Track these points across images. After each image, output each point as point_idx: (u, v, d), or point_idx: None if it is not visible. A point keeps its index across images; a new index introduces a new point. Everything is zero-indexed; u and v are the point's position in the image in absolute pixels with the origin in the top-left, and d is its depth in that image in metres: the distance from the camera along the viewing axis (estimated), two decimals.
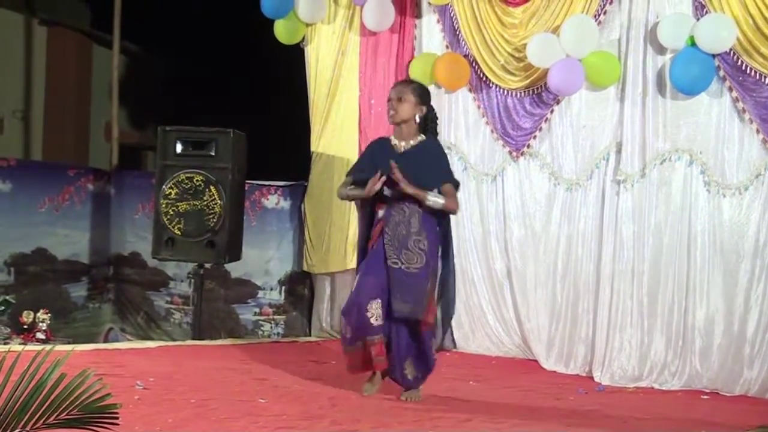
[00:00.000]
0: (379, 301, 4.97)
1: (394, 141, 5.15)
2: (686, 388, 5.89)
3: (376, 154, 5.17)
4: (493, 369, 6.47)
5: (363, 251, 5.25)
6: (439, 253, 5.14)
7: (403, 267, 4.98)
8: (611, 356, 6.13)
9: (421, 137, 5.12)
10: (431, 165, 5.05)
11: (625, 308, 6.16)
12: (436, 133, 5.27)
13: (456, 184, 5.14)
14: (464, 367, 6.45)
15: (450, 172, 5.14)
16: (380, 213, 5.10)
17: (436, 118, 5.27)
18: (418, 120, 5.09)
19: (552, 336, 6.54)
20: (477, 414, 4.94)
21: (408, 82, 5.46)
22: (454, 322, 6.92)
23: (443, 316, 5.24)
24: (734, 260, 5.89)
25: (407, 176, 4.89)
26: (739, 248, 5.88)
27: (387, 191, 5.02)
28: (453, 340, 5.49)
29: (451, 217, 6.90)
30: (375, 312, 4.97)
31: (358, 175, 5.19)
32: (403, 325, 5.03)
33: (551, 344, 6.54)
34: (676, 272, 6.02)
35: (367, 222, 5.23)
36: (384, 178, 4.93)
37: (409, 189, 4.89)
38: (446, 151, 6.96)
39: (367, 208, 5.22)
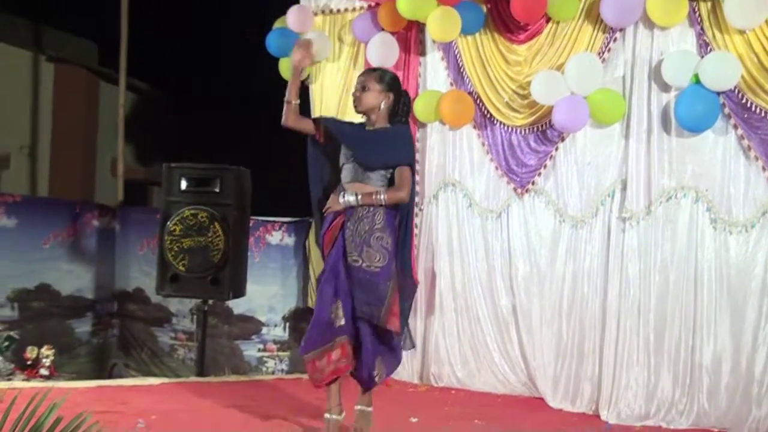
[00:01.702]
0: (338, 301, 4.79)
1: (366, 127, 5.02)
2: (694, 427, 5.82)
3: (345, 124, 5.16)
4: (499, 407, 6.41)
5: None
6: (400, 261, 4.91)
7: (363, 265, 4.76)
8: (618, 394, 6.08)
9: (389, 126, 4.97)
10: (388, 146, 4.88)
11: (632, 346, 6.10)
12: (407, 121, 5.11)
13: (411, 166, 4.91)
14: (470, 405, 6.39)
15: (405, 155, 4.91)
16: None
17: (408, 104, 5.11)
18: (384, 107, 4.94)
19: (558, 374, 6.49)
20: None
21: (372, 70, 5.23)
22: (459, 359, 6.97)
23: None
24: (741, 298, 5.84)
25: (368, 147, 4.87)
26: (746, 286, 5.84)
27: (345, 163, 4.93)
28: (412, 342, 5.25)
29: (454, 250, 6.97)
30: (336, 313, 4.79)
31: (323, 119, 5.15)
32: (370, 326, 4.80)
33: (557, 382, 6.48)
34: (682, 310, 5.97)
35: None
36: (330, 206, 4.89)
37: (337, 205, 4.85)
38: (450, 188, 7.04)
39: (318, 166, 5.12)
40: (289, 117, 5.00)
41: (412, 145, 5.07)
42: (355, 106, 5.02)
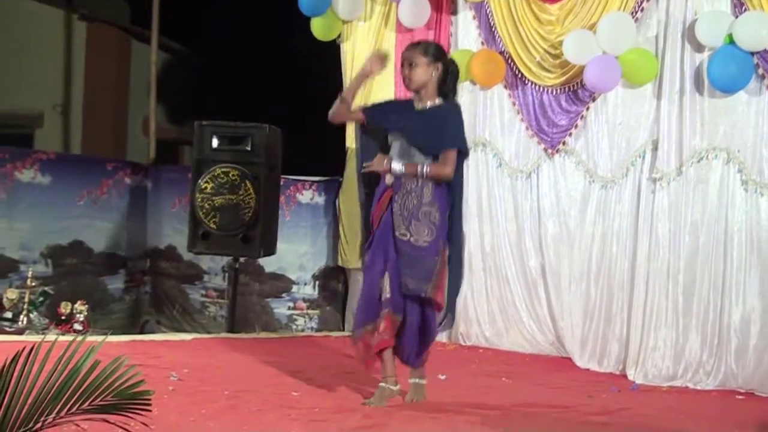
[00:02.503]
0: (387, 274, 4.76)
1: (415, 103, 4.94)
2: (721, 387, 5.83)
3: (392, 106, 5.11)
4: (527, 366, 6.45)
5: (367, 219, 5.02)
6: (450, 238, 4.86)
7: (411, 240, 4.72)
8: (645, 355, 6.09)
9: (439, 101, 4.89)
10: (437, 130, 4.81)
11: (660, 307, 6.10)
12: (455, 92, 5.01)
13: (461, 149, 4.84)
14: (497, 363, 6.44)
15: (455, 138, 4.83)
16: (388, 179, 4.84)
17: (457, 72, 5.00)
18: (435, 79, 4.86)
19: (586, 334, 6.51)
20: (510, 410, 4.95)
21: (417, 44, 5.07)
22: (487, 319, 7.02)
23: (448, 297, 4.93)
24: None
25: (417, 133, 4.79)
26: None
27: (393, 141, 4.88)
28: (453, 317, 5.22)
29: (484, 211, 6.99)
30: (383, 286, 4.76)
31: (368, 110, 5.07)
32: (416, 301, 4.79)
33: (585, 342, 6.51)
34: (712, 271, 5.96)
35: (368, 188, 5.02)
36: (375, 164, 4.83)
37: (380, 167, 4.80)
38: (481, 148, 7.05)
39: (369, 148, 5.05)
40: (339, 113, 5.00)
41: (461, 126, 4.93)
42: (407, 86, 4.93)
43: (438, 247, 4.76)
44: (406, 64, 4.87)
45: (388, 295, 4.77)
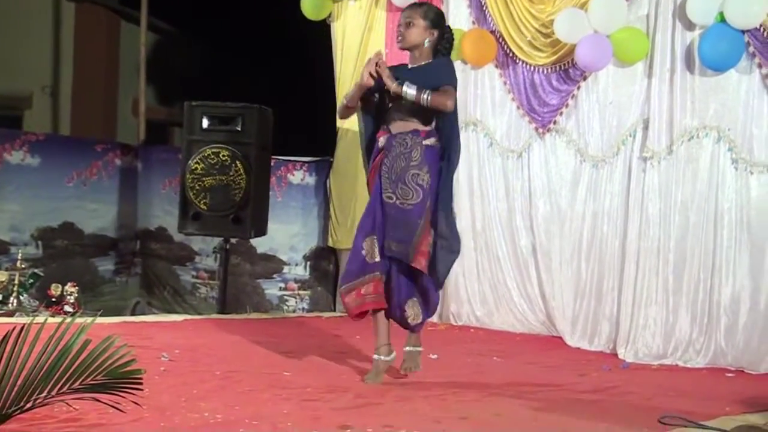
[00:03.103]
0: (374, 237, 4.73)
1: (410, 64, 4.90)
2: (711, 365, 5.86)
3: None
4: (517, 345, 6.47)
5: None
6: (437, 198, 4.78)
7: (397, 202, 4.68)
8: (636, 333, 6.11)
9: (431, 60, 4.85)
10: (433, 74, 4.74)
11: (651, 286, 6.12)
12: (449, 54, 4.96)
13: (454, 86, 4.76)
14: (488, 342, 6.46)
15: (448, 79, 4.73)
16: (381, 141, 4.82)
17: (452, 40, 4.95)
18: (428, 44, 4.82)
19: (576, 313, 6.53)
20: (501, 388, 4.95)
21: (419, 5, 5.01)
22: (478, 298, 7.03)
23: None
24: (761, 238, 5.82)
25: (414, 81, 4.64)
26: (766, 227, 5.81)
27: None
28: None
29: (475, 190, 6.97)
30: (368, 249, 4.74)
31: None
32: (402, 264, 4.75)
33: (576, 321, 6.53)
34: (702, 250, 5.97)
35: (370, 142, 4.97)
36: (380, 63, 4.71)
37: (388, 80, 4.65)
38: (472, 127, 7.04)
39: (370, 127, 4.99)
40: (346, 115, 5.12)
41: (454, 73, 4.87)
42: (399, 42, 4.89)
43: (424, 209, 4.68)
44: (404, 22, 4.83)
45: (377, 259, 4.75)
